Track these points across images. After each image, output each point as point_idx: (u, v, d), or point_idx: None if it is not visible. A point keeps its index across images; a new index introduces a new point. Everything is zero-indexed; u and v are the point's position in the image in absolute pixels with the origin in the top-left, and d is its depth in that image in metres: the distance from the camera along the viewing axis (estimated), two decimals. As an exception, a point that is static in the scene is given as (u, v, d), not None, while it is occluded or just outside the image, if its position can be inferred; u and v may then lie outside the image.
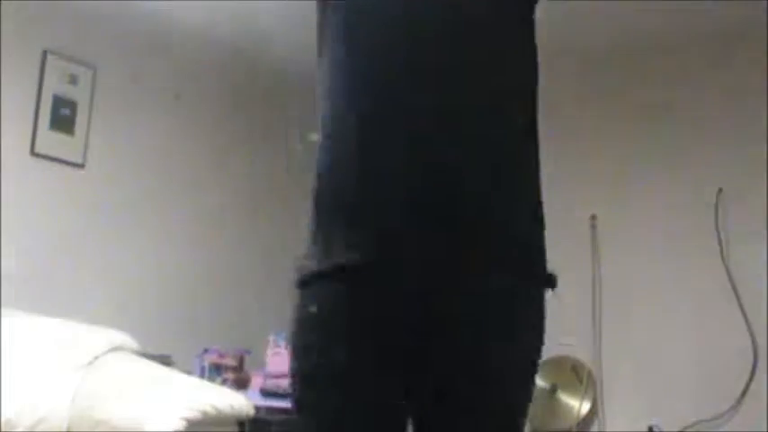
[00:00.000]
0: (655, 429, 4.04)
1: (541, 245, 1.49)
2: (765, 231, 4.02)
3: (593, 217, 4.51)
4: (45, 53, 4.10)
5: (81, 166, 4.25)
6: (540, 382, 4.41)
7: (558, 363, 4.39)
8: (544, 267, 1.49)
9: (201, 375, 4.16)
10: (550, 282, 1.49)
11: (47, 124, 4.11)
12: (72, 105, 4.21)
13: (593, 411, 4.37)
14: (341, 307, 1.42)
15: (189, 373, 3.90)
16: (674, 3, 3.87)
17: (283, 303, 5.87)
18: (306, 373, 1.46)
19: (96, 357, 3.49)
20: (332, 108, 1.44)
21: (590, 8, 4.01)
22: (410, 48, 1.40)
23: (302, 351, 1.47)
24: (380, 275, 1.38)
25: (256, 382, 4.22)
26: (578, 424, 4.34)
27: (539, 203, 1.49)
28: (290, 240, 5.56)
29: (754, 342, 4.01)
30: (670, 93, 4.41)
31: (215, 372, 4.24)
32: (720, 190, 4.17)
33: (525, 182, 1.47)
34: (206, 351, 4.31)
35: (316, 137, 1.47)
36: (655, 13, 4.03)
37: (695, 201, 4.23)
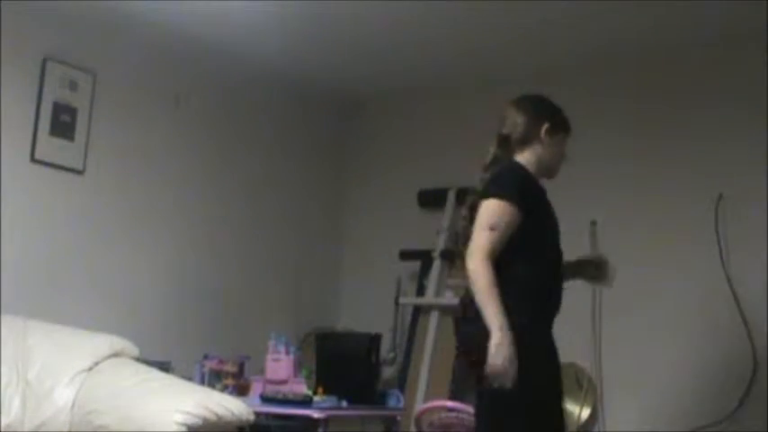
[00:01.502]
0: (655, 435, 4.04)
1: None
2: (765, 237, 4.02)
3: (593, 222, 4.51)
4: (45, 59, 4.11)
5: (81, 172, 4.25)
6: (540, 387, 4.41)
7: (559, 368, 4.39)
8: None
9: (202, 381, 4.16)
10: None
11: (47, 130, 4.12)
12: (72, 111, 4.21)
13: (593, 417, 4.37)
14: None
15: (189, 379, 3.90)
16: (674, 5, 3.87)
17: (283, 309, 5.89)
18: None
19: (96, 363, 3.49)
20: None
21: (589, 12, 4.02)
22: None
23: None
24: None
25: (256, 387, 4.22)
26: (578, 429, 4.34)
27: None
28: (290, 246, 5.61)
29: (754, 347, 4.01)
30: (670, 97, 4.42)
31: (215, 378, 4.24)
32: (720, 195, 4.17)
33: None
34: (206, 357, 4.31)
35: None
36: (654, 17, 4.04)
37: (695, 206, 4.22)
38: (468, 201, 2.87)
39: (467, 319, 2.70)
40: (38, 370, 3.41)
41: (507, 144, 2.92)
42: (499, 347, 2.51)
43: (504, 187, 2.73)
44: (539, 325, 2.71)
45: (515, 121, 2.91)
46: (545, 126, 2.89)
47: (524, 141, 2.89)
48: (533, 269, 2.70)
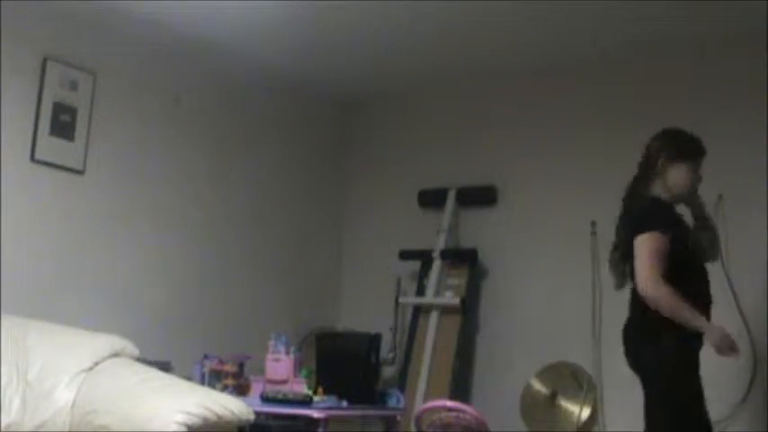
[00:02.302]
0: (655, 435, 4.03)
1: None
2: (765, 237, 4.02)
3: (594, 223, 4.51)
4: (45, 59, 4.11)
5: (81, 172, 4.25)
6: (540, 387, 4.42)
7: (558, 368, 4.39)
8: None
9: (202, 381, 4.16)
10: None
11: (47, 130, 4.12)
12: (72, 111, 4.21)
13: (593, 417, 4.37)
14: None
15: (189, 379, 3.91)
16: (674, 5, 3.87)
17: (283, 309, 5.86)
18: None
19: (97, 363, 3.49)
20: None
21: (589, 12, 4.02)
22: None
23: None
24: None
25: (256, 387, 4.22)
26: (579, 429, 4.34)
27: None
28: (290, 246, 5.60)
29: (754, 347, 4.01)
30: (669, 97, 4.41)
31: (215, 378, 4.24)
32: (720, 196, 4.17)
33: None
34: (206, 357, 4.31)
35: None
36: (653, 17, 4.04)
37: (695, 206, 4.22)
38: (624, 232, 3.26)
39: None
40: (38, 370, 3.41)
41: (643, 173, 3.34)
42: (713, 329, 3.13)
43: (654, 221, 3.15)
44: (691, 338, 3.18)
45: (646, 153, 3.36)
46: (662, 157, 3.29)
47: (652, 171, 3.31)
48: (683, 288, 3.10)
